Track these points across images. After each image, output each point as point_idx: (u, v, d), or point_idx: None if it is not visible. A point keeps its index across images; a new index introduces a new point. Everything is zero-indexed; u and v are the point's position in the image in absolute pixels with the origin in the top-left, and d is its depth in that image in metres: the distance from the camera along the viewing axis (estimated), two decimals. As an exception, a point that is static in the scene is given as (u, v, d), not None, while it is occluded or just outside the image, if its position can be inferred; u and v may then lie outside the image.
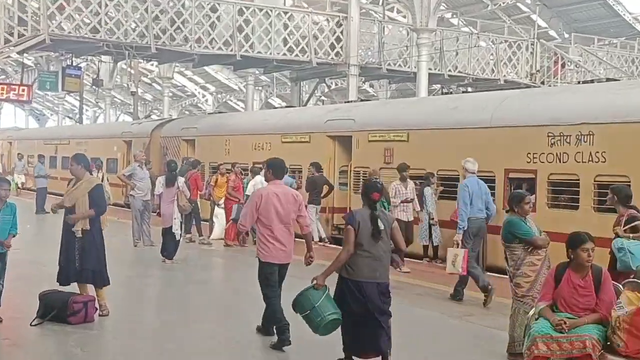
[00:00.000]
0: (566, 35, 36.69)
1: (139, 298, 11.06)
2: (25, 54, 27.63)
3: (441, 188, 15.10)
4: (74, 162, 9.22)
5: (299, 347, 7.79)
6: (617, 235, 7.78)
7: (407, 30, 28.22)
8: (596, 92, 13.41)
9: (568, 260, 6.69)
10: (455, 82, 30.42)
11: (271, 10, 25.32)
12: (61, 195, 9.53)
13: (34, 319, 8.72)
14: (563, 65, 30.40)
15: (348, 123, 17.93)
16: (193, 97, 61.69)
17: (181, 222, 14.25)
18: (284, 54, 25.72)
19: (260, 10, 25.18)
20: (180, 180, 14.42)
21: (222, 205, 17.78)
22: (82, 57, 32.86)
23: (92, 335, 8.45)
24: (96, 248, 9.08)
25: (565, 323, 6.43)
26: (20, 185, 32.04)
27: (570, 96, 13.67)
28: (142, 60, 37.64)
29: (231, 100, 60.00)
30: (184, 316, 9.51)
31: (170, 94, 53.12)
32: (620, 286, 6.80)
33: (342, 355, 7.08)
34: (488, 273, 13.07)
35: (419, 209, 14.68)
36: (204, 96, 59.58)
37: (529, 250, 7.49)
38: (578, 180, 12.37)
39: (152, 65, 51.07)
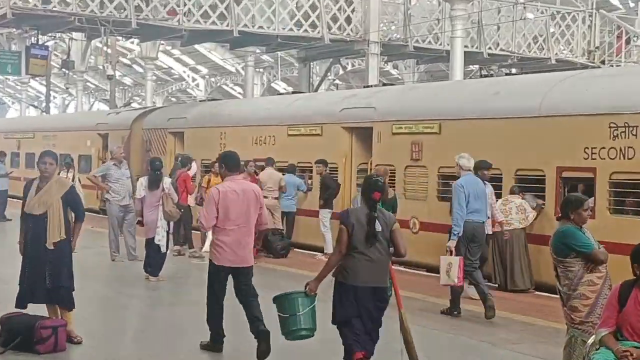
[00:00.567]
0: (632, 5, 36.43)
1: (118, 323, 11.07)
2: (-19, 31, 27.74)
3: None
4: (50, 159, 9.16)
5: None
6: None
7: (439, 0, 28.17)
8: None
9: (634, 277, 6.63)
10: (496, 62, 30.36)
11: (275, -23, 25.40)
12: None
13: (-7, 348, 8.74)
14: (628, 41, 30.27)
15: (368, 112, 17.90)
16: (181, 82, 61.86)
17: (168, 232, 14.26)
18: (291, 29, 25.74)
19: (262, -24, 25.26)
20: (167, 181, 14.42)
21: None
22: (50, 35, 32.95)
23: (63, 368, 8.47)
24: (68, 262, 9.13)
25: (632, 355, 6.38)
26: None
27: (636, 78, 13.58)
28: (120, 38, 37.77)
29: (227, 85, 60.10)
30: (171, 344, 9.51)
31: (154, 78, 53.31)
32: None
33: None
34: (537, 293, 13.04)
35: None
36: (194, 80, 59.72)
37: (588, 266, 7.39)
38: (646, 180, 12.31)
39: (132, 43, 51.30)
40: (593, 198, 12.32)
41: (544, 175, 13.61)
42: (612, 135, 12.73)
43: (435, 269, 15.31)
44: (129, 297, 12.65)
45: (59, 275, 9.02)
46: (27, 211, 9.08)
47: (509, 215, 13.51)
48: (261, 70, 52.77)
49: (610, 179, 12.81)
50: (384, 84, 24.12)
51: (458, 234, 11.12)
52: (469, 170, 11.56)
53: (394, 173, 16.74)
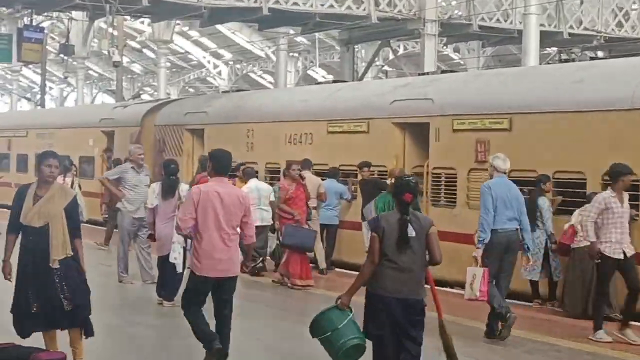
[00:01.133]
0: None
1: (127, 356, 11.15)
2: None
3: (559, 198, 14.97)
4: (55, 162, 9.19)
5: None
6: None
7: (509, -30, 28.09)
8: None
9: None
10: (579, 44, 30.16)
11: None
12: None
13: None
14: None
15: (424, 104, 17.87)
16: (200, 69, 62.23)
17: (185, 248, 14.31)
18: (331, 6, 25.79)
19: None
20: (184, 188, 14.48)
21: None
22: (46, 15, 33.36)
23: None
24: (79, 275, 9.14)
25: None
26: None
27: None
28: (128, 18, 38.08)
29: (254, 73, 60.35)
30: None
31: (168, 65, 53.74)
32: None
33: None
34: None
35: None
36: (215, 67, 60.05)
37: None
38: None
39: (142, 24, 51.72)
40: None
41: (639, 181, 13.48)
42: None
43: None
44: (140, 326, 12.71)
45: (74, 292, 9.00)
46: (25, 223, 9.06)
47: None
48: (296, 54, 52.93)
49: None
50: (443, 71, 24.06)
51: (484, 241, 11.52)
52: (504, 172, 12.08)
53: (455, 177, 16.69)
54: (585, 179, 14.30)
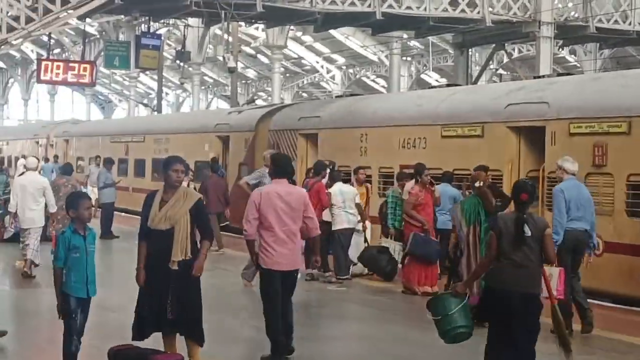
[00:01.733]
0: None
1: None
2: (87, 20, 28.78)
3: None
4: (181, 167, 9.36)
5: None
6: None
7: (627, -30, 27.61)
8: None
9: None
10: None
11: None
12: (137, 213, 9.77)
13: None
14: None
15: (539, 108, 17.68)
16: (314, 74, 62.61)
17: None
18: (445, 10, 25.69)
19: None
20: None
21: (360, 228, 17.88)
22: (162, 22, 33.97)
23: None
24: (194, 288, 9.27)
25: None
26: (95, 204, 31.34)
27: None
28: (243, 24, 38.56)
29: (368, 77, 60.47)
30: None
31: (282, 70, 54.15)
32: None
33: None
34: None
35: None
36: (329, 72, 60.33)
37: None
38: None
39: (257, 29, 52.29)
40: None
41: None
42: None
43: (625, 300, 15.03)
44: (257, 330, 12.82)
45: (184, 304, 9.15)
46: (152, 227, 9.23)
47: None
48: (409, 59, 52.89)
49: None
50: (559, 74, 23.79)
51: (557, 242, 11.69)
52: (573, 174, 12.60)
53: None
54: None
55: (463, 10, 25.85)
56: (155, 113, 48.54)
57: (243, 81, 67.19)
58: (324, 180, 17.97)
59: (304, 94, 66.21)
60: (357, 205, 17.74)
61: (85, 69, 26.63)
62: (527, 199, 8.58)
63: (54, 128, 47.50)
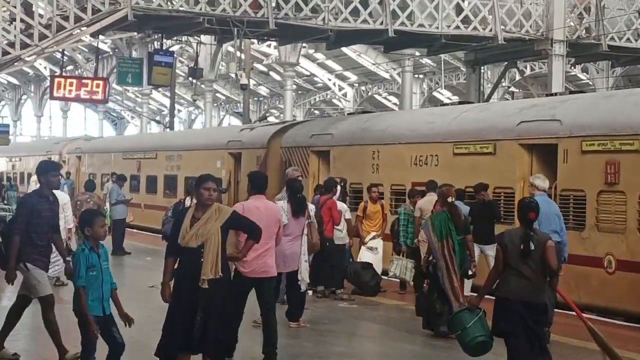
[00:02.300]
0: None
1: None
2: (100, 37, 28.88)
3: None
4: (213, 185, 9.32)
5: None
6: None
7: (640, -12, 27.61)
8: None
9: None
10: None
11: (438, -34, 25.44)
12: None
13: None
14: None
15: (551, 126, 17.67)
16: (326, 91, 62.70)
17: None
18: (457, 27, 25.72)
19: (423, -35, 25.36)
20: (311, 207, 14.61)
21: (373, 245, 17.86)
22: (175, 39, 34.10)
23: None
24: (222, 308, 9.17)
25: None
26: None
27: None
28: (255, 41, 38.66)
29: (380, 95, 60.53)
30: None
31: (294, 87, 54.20)
32: None
33: None
34: None
35: None
36: (341, 89, 60.41)
37: None
38: None
39: (269, 47, 52.41)
40: None
41: None
42: None
43: (639, 319, 14.97)
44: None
45: (212, 324, 9.02)
46: (183, 244, 9.15)
47: None
48: (421, 76, 52.93)
49: None
50: (571, 92, 23.75)
51: None
52: (544, 191, 13.40)
53: (584, 199, 16.44)
54: None
55: (475, 28, 25.85)
56: (167, 130, 48.64)
57: (255, 98, 67.30)
58: (335, 197, 18.00)
59: (316, 112, 66.27)
60: (347, 221, 17.75)
61: (98, 86, 26.69)
62: (534, 218, 9.43)
63: (67, 144, 47.69)
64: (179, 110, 71.81)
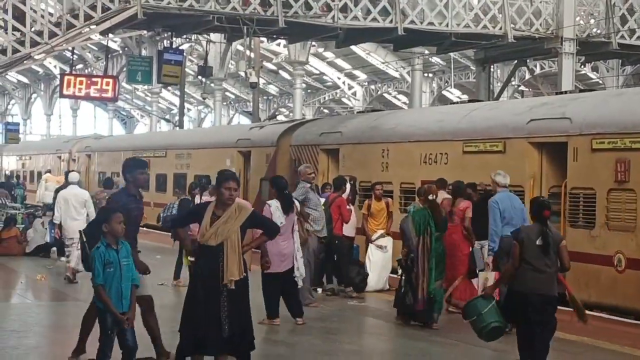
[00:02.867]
0: None
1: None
2: (110, 35, 28.94)
3: None
4: (235, 184, 9.23)
5: None
6: None
7: (650, -14, 27.56)
8: None
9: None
10: None
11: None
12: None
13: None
14: None
15: (561, 124, 17.65)
16: (335, 90, 62.66)
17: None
18: (467, 26, 25.69)
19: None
20: (296, 203, 14.57)
21: (382, 243, 17.88)
22: (185, 37, 34.10)
23: None
24: (246, 303, 9.17)
25: None
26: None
27: None
28: (265, 39, 38.67)
29: (389, 93, 60.49)
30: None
31: (304, 86, 54.26)
32: None
33: None
34: None
35: None
36: (350, 88, 60.39)
37: None
38: None
39: (279, 45, 52.42)
40: None
41: None
42: None
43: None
44: (273, 345, 12.82)
45: (238, 320, 9.01)
46: (202, 242, 9.13)
47: None
48: (430, 75, 52.89)
49: None
50: (581, 90, 23.72)
51: (493, 249, 13.36)
52: (505, 187, 13.92)
53: (594, 198, 16.41)
54: None
55: (485, 27, 25.83)
56: (177, 128, 48.69)
57: (265, 97, 67.31)
58: (345, 195, 18.02)
59: (326, 110, 66.25)
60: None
61: (107, 84, 26.71)
62: (549, 215, 9.86)
63: (76, 143, 47.81)
64: (189, 109, 71.87)
